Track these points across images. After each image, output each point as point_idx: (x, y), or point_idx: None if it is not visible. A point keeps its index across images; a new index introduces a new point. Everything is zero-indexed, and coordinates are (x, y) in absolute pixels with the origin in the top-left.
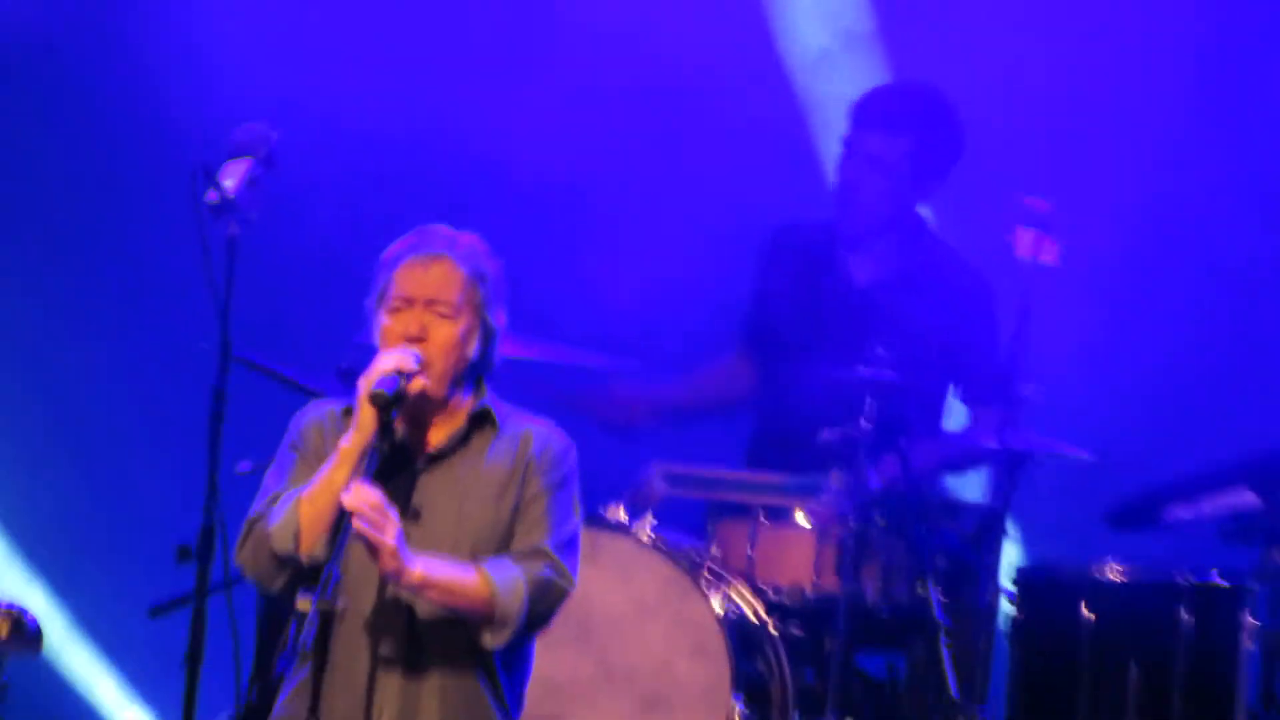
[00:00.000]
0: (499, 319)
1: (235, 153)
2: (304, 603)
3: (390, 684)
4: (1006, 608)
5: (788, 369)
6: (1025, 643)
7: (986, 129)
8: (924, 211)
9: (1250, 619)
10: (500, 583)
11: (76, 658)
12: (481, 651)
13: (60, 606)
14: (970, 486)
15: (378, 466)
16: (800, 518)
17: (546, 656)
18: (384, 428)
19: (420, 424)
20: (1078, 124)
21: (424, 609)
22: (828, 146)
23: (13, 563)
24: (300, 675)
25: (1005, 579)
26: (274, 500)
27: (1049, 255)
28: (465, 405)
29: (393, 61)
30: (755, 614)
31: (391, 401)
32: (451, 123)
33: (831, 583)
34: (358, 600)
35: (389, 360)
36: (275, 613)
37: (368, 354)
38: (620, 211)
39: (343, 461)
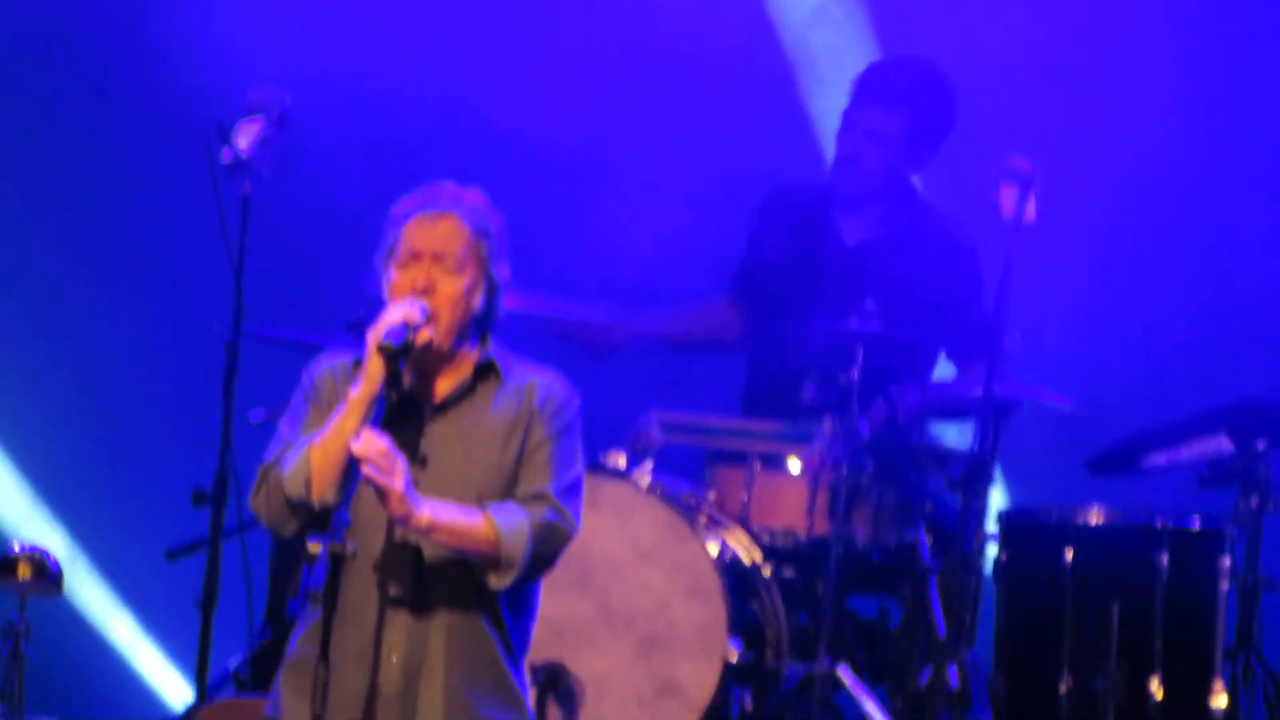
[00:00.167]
0: (503, 273)
1: (249, 113)
2: (314, 546)
3: (398, 624)
4: (992, 552)
5: (781, 322)
6: (1010, 585)
7: (973, 88)
8: (913, 178)
9: (1226, 562)
10: (505, 526)
11: (96, 599)
12: (488, 593)
13: (80, 550)
14: (957, 434)
15: (386, 415)
16: (794, 464)
17: (548, 599)
18: (392, 378)
19: (427, 375)
20: (1063, 81)
21: (431, 552)
22: (819, 105)
23: (35, 508)
24: (312, 617)
25: (991, 523)
26: (287, 448)
27: (1031, 212)
28: (471, 357)
29: (402, 23)
30: (750, 558)
31: (399, 352)
32: (458, 82)
33: (824, 527)
34: (367, 544)
35: (396, 312)
36: (287, 556)
37: (377, 307)
38: (621, 168)
39: (352, 410)
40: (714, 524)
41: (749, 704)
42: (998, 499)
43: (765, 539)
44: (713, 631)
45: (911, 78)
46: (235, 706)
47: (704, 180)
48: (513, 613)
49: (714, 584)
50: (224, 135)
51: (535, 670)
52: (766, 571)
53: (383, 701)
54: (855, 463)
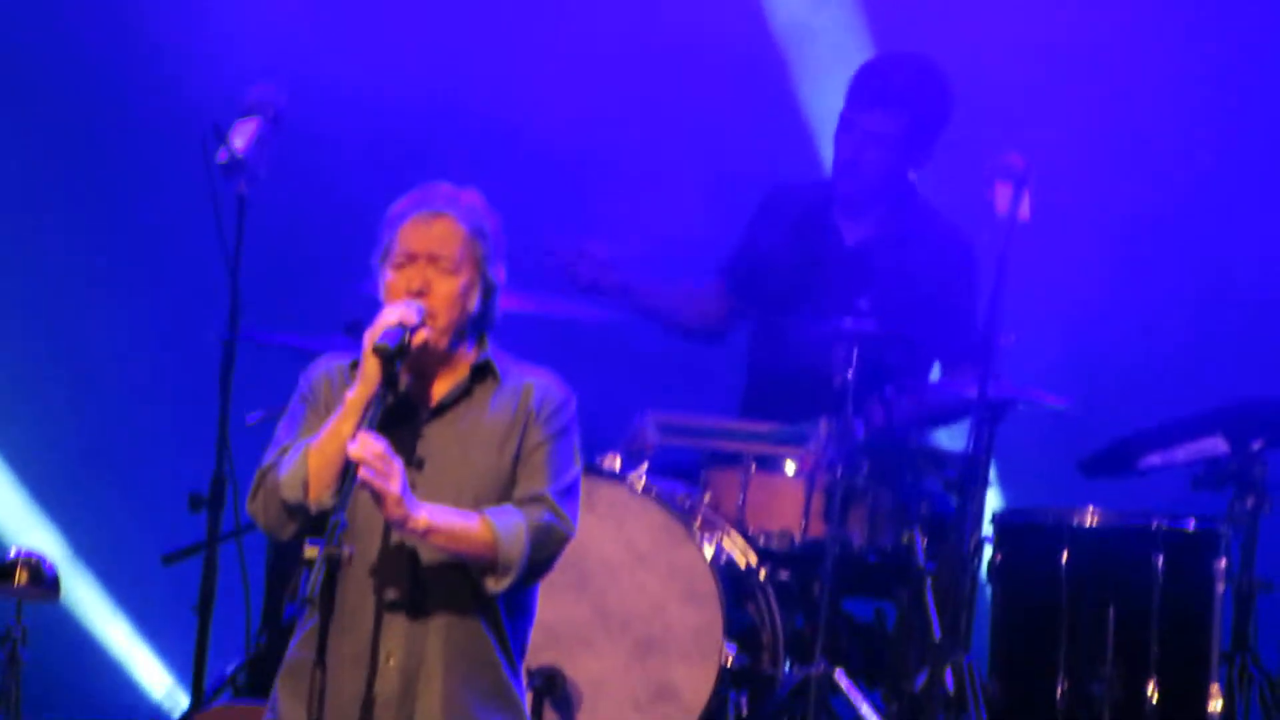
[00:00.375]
0: (499, 274)
1: (245, 112)
2: (311, 550)
3: (396, 628)
4: (988, 553)
5: (779, 322)
6: (1005, 587)
7: (969, 84)
8: (911, 175)
9: (1222, 563)
10: (502, 528)
11: (93, 604)
12: (485, 597)
13: (77, 554)
14: (952, 435)
15: (383, 418)
16: (789, 466)
17: (544, 602)
18: (388, 379)
19: (424, 376)
20: (1060, 78)
21: (428, 555)
22: (817, 103)
23: (32, 512)
24: (310, 622)
25: (987, 524)
26: (284, 451)
27: (1026, 210)
28: (468, 358)
29: (400, 22)
30: (746, 560)
31: (395, 353)
32: (456, 81)
33: (819, 530)
34: (364, 547)
35: (392, 314)
36: (284, 560)
37: (374, 308)
38: (622, 168)
39: (348, 412)
40: (709, 526)
41: (745, 707)
42: (993, 500)
43: (761, 541)
44: (708, 635)
45: (908, 76)
46: (232, 711)
47: (706, 179)
48: (510, 616)
49: (710, 587)
50: (220, 135)
51: (531, 675)
52: (762, 574)
53: (380, 706)
54: (850, 464)
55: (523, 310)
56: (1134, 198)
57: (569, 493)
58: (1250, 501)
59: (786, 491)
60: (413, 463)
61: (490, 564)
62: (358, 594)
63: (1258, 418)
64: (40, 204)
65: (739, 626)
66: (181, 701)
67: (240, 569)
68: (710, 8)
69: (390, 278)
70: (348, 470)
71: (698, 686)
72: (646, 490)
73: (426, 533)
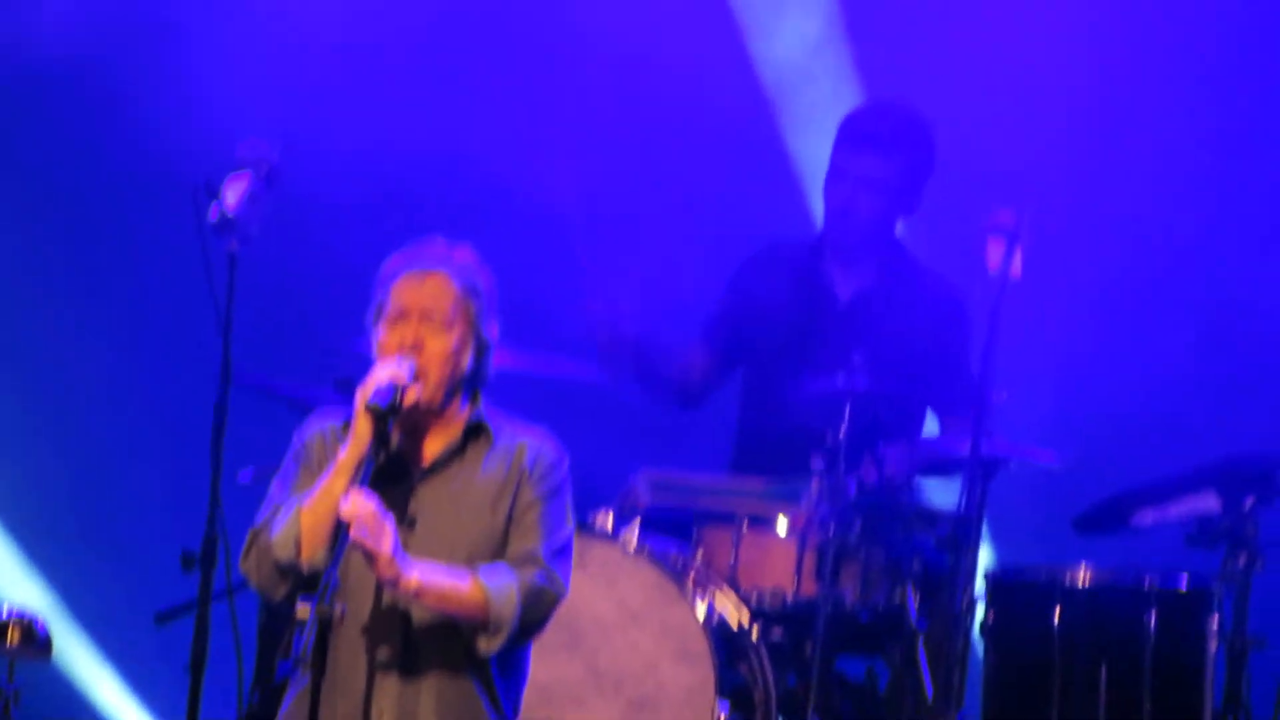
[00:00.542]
0: (492, 331)
1: (237, 169)
2: (303, 609)
3: (388, 688)
4: (980, 612)
5: (770, 379)
6: (998, 645)
7: (959, 141)
8: (899, 226)
9: (1214, 621)
10: (494, 589)
11: (85, 664)
12: (478, 656)
13: (69, 614)
14: (944, 493)
15: (375, 476)
16: (781, 524)
17: (537, 661)
18: (380, 438)
19: (417, 434)
20: (1051, 135)
21: (420, 615)
22: (809, 158)
23: (24, 572)
24: (302, 682)
25: (979, 582)
26: (277, 511)
27: (1018, 267)
28: (461, 416)
29: (394, 79)
30: (738, 619)
31: (386, 412)
32: (450, 138)
33: (812, 588)
34: (356, 606)
35: (384, 371)
36: (276, 620)
37: (365, 365)
38: (618, 224)
39: (340, 471)
40: (702, 585)
41: None
42: (985, 558)
43: (753, 600)
44: (701, 694)
45: (896, 121)
46: None
47: (699, 233)
48: (503, 676)
49: (702, 646)
50: (211, 192)
51: None
52: (754, 633)
53: None
54: (843, 523)
55: (515, 368)
56: (1125, 254)
57: (561, 553)
58: (1243, 559)
59: (779, 550)
60: (405, 522)
61: (482, 624)
62: (350, 653)
63: (1250, 475)
64: (30, 262)
65: (731, 685)
66: None
67: (232, 628)
68: (701, 61)
69: (383, 335)
70: (339, 529)
71: None
72: (639, 548)
73: (418, 592)
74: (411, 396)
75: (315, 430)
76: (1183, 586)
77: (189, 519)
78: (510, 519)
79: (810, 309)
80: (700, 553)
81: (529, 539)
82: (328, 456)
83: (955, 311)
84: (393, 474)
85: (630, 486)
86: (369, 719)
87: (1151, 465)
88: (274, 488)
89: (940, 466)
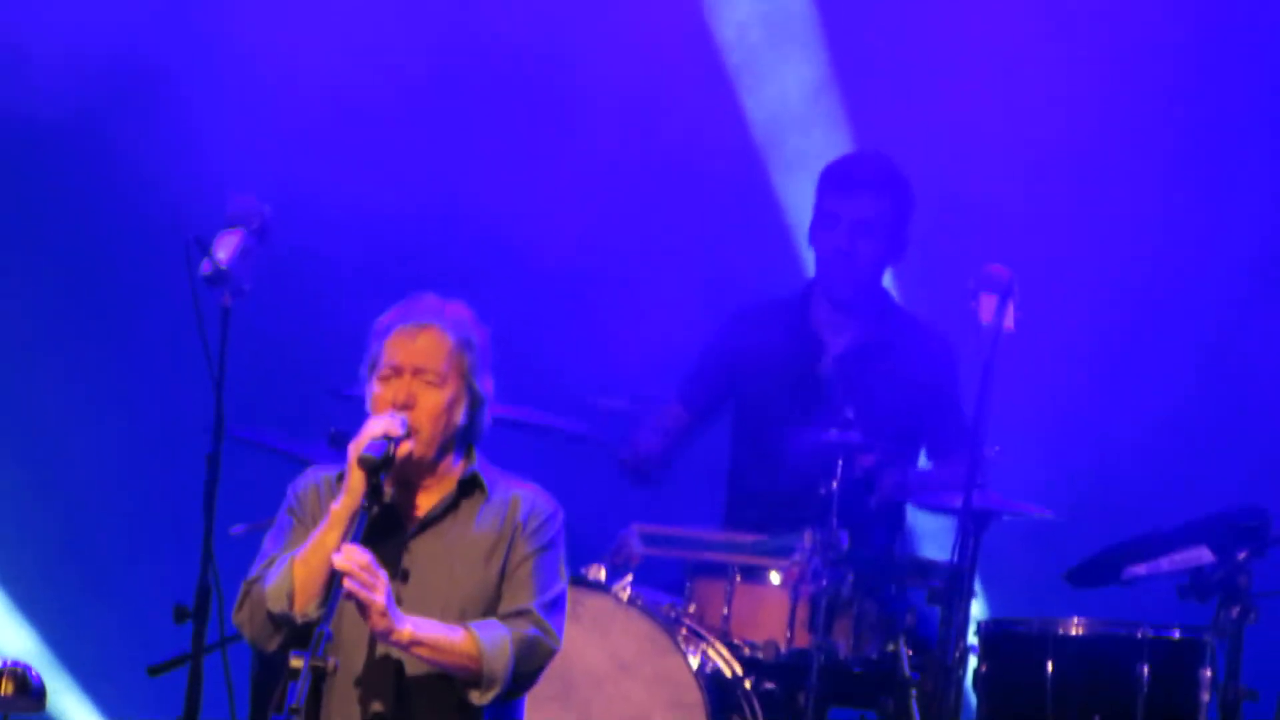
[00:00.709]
0: (486, 386)
1: (228, 224)
2: (297, 661)
3: None
4: (973, 663)
5: (762, 434)
6: (990, 697)
7: (952, 193)
8: (887, 278)
9: (1207, 673)
10: (487, 642)
11: (78, 715)
12: (471, 709)
13: (62, 665)
14: (936, 546)
15: (368, 529)
16: (774, 576)
17: (530, 711)
18: (373, 491)
19: (410, 488)
20: (1045, 189)
21: (414, 667)
22: (797, 209)
23: (18, 622)
24: None
25: (972, 634)
26: (271, 563)
27: (1010, 321)
28: (455, 471)
29: (388, 132)
30: (731, 670)
31: (379, 465)
32: (442, 193)
33: (805, 640)
34: (349, 659)
35: (377, 426)
36: (269, 672)
37: (358, 420)
38: (617, 278)
39: (334, 524)
40: (695, 636)
41: None
42: (978, 610)
43: (746, 651)
44: None
45: (879, 165)
46: None
47: (702, 289)
48: None
49: (695, 697)
50: (203, 246)
51: None
52: (747, 684)
53: None
54: (835, 575)
55: (510, 421)
56: (1117, 309)
57: (554, 606)
58: (1236, 611)
59: (771, 602)
60: (398, 575)
61: (475, 677)
62: (343, 705)
63: (1242, 527)
64: (23, 314)
65: None
66: None
67: (225, 680)
68: (695, 114)
69: (376, 390)
70: (333, 581)
71: None
72: (631, 600)
73: (411, 644)
74: (404, 450)
75: (309, 482)
76: (1176, 637)
77: (182, 571)
78: (503, 573)
79: (801, 363)
80: (693, 605)
81: (522, 593)
82: (321, 509)
83: (945, 358)
84: (386, 527)
85: (623, 539)
86: None
87: (1143, 519)
88: (268, 540)
89: (933, 496)
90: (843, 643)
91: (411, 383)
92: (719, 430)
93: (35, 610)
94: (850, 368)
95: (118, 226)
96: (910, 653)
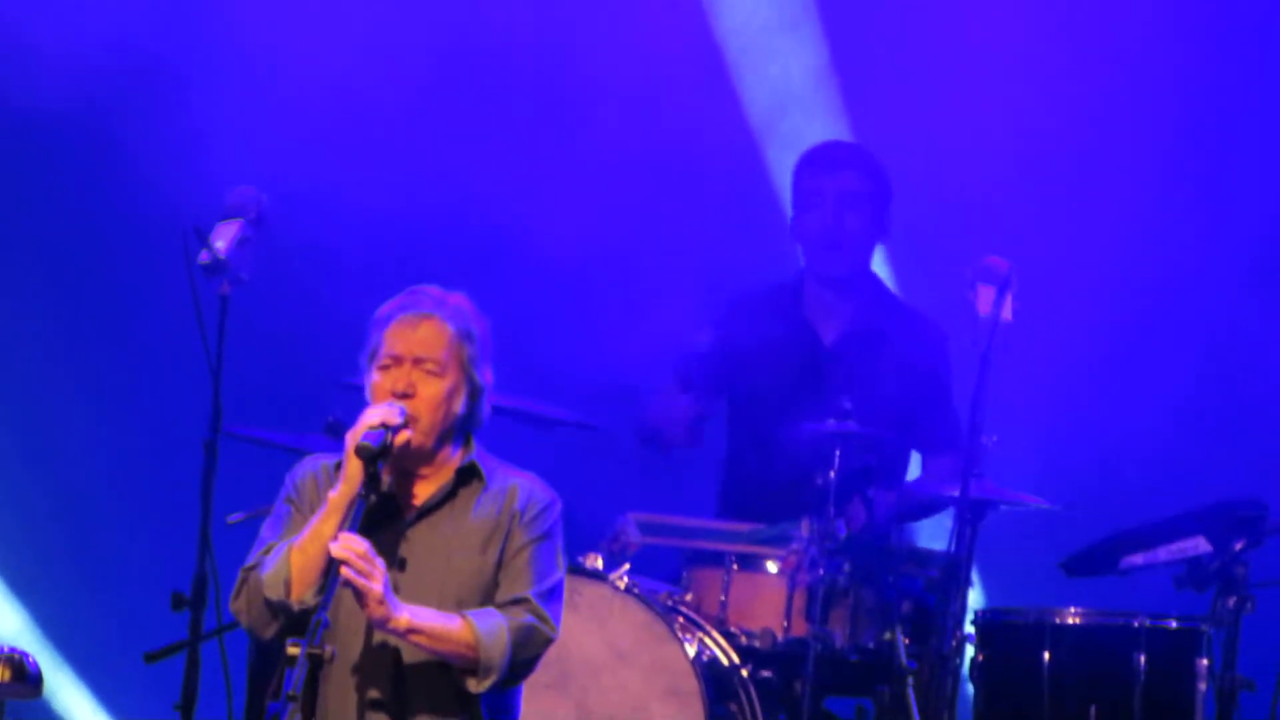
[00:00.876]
0: (485, 376)
1: (227, 214)
2: (294, 649)
3: None
4: (970, 652)
5: (758, 424)
6: (987, 685)
7: (951, 188)
8: (879, 271)
9: (1204, 662)
10: (484, 630)
11: (75, 701)
12: (468, 697)
13: (59, 652)
14: (934, 534)
15: (366, 518)
16: (771, 565)
17: (527, 700)
18: (370, 480)
19: (408, 476)
20: (1044, 179)
21: (411, 655)
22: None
23: (15, 610)
24: None
25: (969, 624)
26: (268, 550)
27: (1008, 312)
28: (453, 460)
29: (383, 126)
30: (728, 658)
31: (377, 454)
32: (440, 184)
33: (801, 628)
34: (346, 646)
35: (375, 415)
36: (266, 659)
37: (356, 408)
38: (615, 271)
39: (331, 512)
40: (691, 625)
41: None
42: (975, 599)
43: (743, 640)
44: None
45: (853, 147)
46: None
47: (703, 278)
48: (493, 716)
49: (691, 685)
50: (202, 236)
51: None
52: (744, 672)
53: None
54: (832, 564)
55: (510, 411)
56: (1116, 299)
57: (552, 594)
58: (1232, 601)
59: (768, 590)
60: (395, 563)
61: (472, 665)
62: (340, 693)
63: (1239, 518)
64: (22, 305)
65: None
66: None
67: (223, 668)
68: (693, 102)
69: (376, 379)
70: (330, 569)
71: None
72: (629, 589)
73: (408, 632)
74: (402, 439)
75: (308, 471)
76: (1172, 627)
77: (179, 559)
78: (500, 562)
79: (796, 351)
80: (690, 593)
81: (519, 582)
82: (319, 498)
83: (937, 345)
84: (384, 516)
85: (620, 528)
86: None
87: (1140, 509)
88: (265, 528)
89: (926, 509)
90: (839, 632)
91: (411, 372)
92: (715, 419)
93: (32, 597)
94: (845, 355)
95: (118, 217)
96: (907, 642)
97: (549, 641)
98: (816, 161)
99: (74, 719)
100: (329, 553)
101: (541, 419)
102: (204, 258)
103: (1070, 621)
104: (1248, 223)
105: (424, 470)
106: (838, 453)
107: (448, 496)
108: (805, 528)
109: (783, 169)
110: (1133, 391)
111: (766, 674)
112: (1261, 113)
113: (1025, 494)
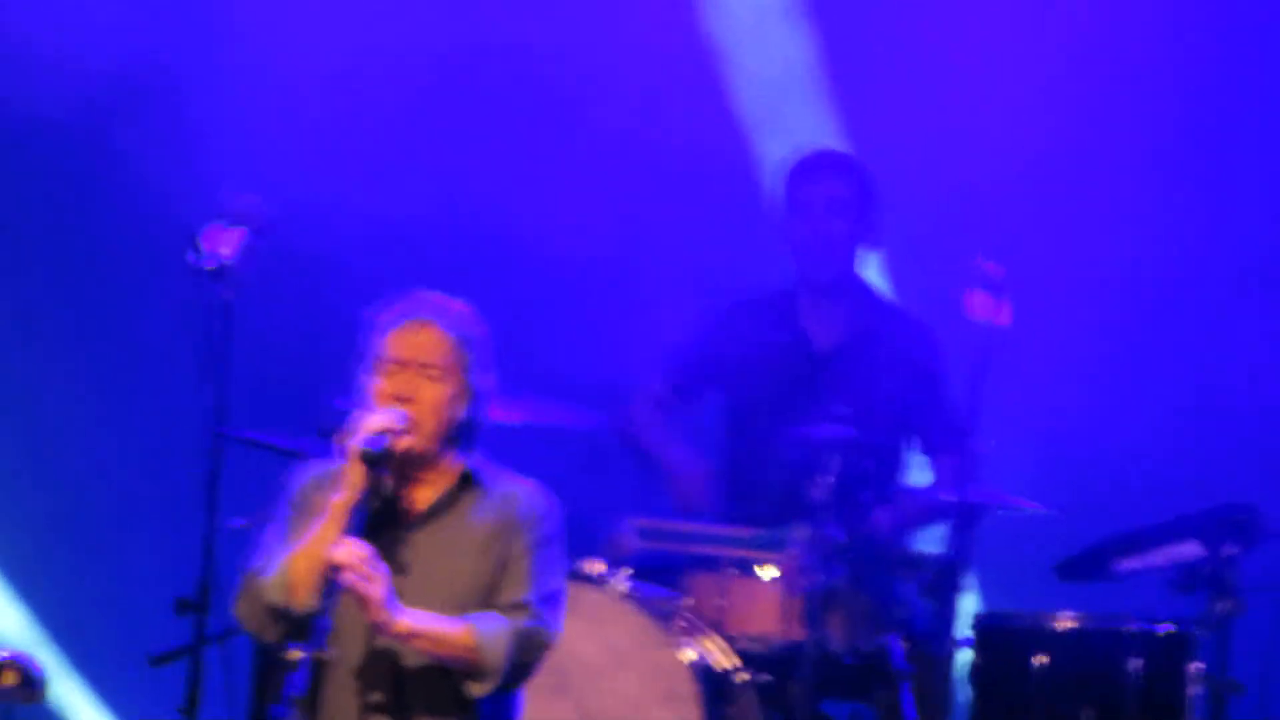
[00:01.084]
0: (485, 382)
1: (230, 221)
2: (296, 652)
3: None
4: (965, 655)
5: (754, 430)
6: (983, 689)
7: (946, 193)
8: (871, 276)
9: (1196, 665)
10: (484, 633)
11: (80, 705)
12: (468, 700)
13: (65, 656)
14: (930, 539)
15: (368, 523)
16: (768, 570)
17: (528, 703)
18: (372, 485)
19: (408, 481)
20: (1036, 183)
21: (411, 658)
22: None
23: (21, 615)
24: None
25: (964, 627)
26: (270, 555)
27: (1002, 317)
28: (454, 465)
29: (383, 132)
30: (725, 663)
31: (378, 459)
32: (438, 191)
33: (798, 632)
34: (347, 650)
35: (377, 419)
36: (269, 663)
37: (358, 414)
38: (616, 274)
39: (332, 517)
40: (690, 629)
41: None
42: (971, 603)
43: (740, 644)
44: None
45: (837, 154)
46: None
47: (703, 282)
48: (493, 719)
49: (690, 689)
50: (205, 243)
51: None
52: (742, 676)
53: None
54: (829, 569)
55: (509, 418)
56: (1113, 303)
57: (551, 599)
58: (1224, 605)
59: (766, 595)
60: (397, 568)
61: (473, 668)
62: (341, 696)
63: (1231, 523)
64: (25, 311)
65: None
66: None
67: (225, 672)
68: (690, 104)
69: (377, 384)
70: (332, 574)
71: None
72: (628, 594)
73: (409, 636)
74: (403, 444)
75: (310, 476)
76: (1165, 631)
77: (183, 564)
78: (501, 568)
79: (790, 360)
80: (689, 598)
81: (519, 587)
82: (320, 502)
83: (930, 347)
84: (385, 521)
85: (619, 534)
86: None
87: (1134, 514)
88: (267, 533)
89: (929, 517)
90: (835, 635)
91: (412, 377)
92: (713, 425)
93: (38, 602)
94: (839, 360)
95: (120, 223)
96: (903, 646)
97: (548, 646)
98: (802, 170)
99: None
100: (330, 557)
101: (545, 430)
102: (208, 264)
103: (1065, 625)
104: (1241, 228)
105: (425, 476)
106: (832, 457)
107: (449, 502)
108: (802, 533)
109: (771, 159)
110: (1127, 396)
111: (764, 678)
112: (1254, 117)
113: (1021, 498)
